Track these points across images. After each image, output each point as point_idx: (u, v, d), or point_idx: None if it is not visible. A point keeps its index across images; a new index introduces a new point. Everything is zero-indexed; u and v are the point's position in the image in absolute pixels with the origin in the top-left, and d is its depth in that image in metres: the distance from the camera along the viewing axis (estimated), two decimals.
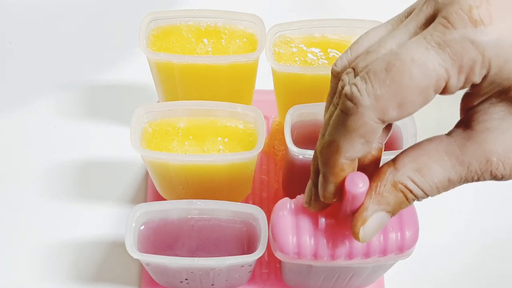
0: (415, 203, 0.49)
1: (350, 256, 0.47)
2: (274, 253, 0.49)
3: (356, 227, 0.41)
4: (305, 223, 0.47)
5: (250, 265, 0.54)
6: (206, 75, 0.60)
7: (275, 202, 0.64)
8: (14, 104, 0.72)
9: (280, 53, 0.60)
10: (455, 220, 0.66)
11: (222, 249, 0.55)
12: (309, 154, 0.53)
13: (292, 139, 0.55)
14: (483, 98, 0.38)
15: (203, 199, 0.54)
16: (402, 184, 0.39)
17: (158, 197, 0.63)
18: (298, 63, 0.60)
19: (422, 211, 0.50)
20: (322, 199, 0.42)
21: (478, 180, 0.39)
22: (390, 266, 0.53)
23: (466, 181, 0.39)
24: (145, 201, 0.65)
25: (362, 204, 0.41)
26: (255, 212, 0.53)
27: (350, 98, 0.36)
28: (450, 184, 0.39)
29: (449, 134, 0.40)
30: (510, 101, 0.37)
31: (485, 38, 0.34)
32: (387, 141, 0.44)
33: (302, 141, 0.57)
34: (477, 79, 0.36)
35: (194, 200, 0.54)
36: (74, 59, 0.74)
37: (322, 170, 0.40)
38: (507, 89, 0.37)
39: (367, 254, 0.47)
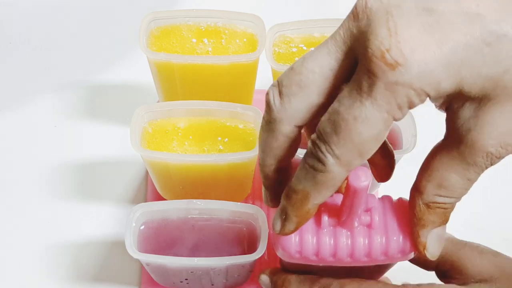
0: None
1: (352, 256, 0.47)
2: (276, 251, 0.49)
3: (421, 253, 0.45)
4: (308, 222, 0.47)
5: (250, 265, 0.54)
6: (206, 75, 0.60)
7: None
8: (14, 104, 0.72)
9: (280, 53, 0.60)
10: (455, 220, 0.66)
11: (222, 249, 0.55)
12: None
13: None
14: (445, 105, 0.40)
15: (203, 199, 0.54)
16: (432, 203, 0.42)
17: (158, 197, 0.63)
18: None
19: None
20: (278, 233, 0.45)
21: (492, 165, 0.40)
22: (390, 266, 0.53)
23: (483, 171, 0.41)
24: (145, 201, 0.65)
25: (413, 233, 0.44)
26: (255, 212, 0.53)
27: (317, 158, 0.39)
28: (471, 182, 0.41)
29: (445, 141, 0.42)
30: (469, 101, 0.38)
31: (407, 76, 0.36)
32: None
33: (301, 140, 0.57)
34: (419, 103, 0.38)
35: (194, 200, 0.54)
36: (74, 59, 0.74)
37: (287, 211, 0.43)
38: (457, 94, 0.38)
39: (369, 255, 0.47)
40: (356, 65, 0.38)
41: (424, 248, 0.44)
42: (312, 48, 0.60)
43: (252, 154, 0.54)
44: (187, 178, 0.58)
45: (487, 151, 0.39)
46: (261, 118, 0.55)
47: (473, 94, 0.38)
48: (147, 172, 0.66)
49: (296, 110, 0.39)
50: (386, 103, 0.36)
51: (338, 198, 0.48)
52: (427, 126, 0.65)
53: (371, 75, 0.36)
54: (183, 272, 0.54)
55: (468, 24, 0.36)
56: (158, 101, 0.66)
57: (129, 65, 0.73)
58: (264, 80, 0.64)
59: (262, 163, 0.43)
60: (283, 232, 0.44)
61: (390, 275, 0.61)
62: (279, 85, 0.40)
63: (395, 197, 0.50)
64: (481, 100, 0.38)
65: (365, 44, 0.36)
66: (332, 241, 0.47)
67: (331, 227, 0.47)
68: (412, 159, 0.66)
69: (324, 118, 0.38)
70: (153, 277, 0.59)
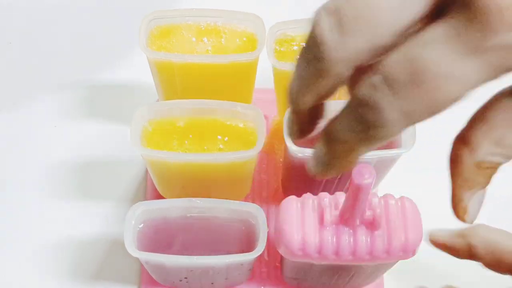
0: (419, 205, 0.49)
1: (354, 254, 0.47)
2: (278, 249, 0.49)
3: (460, 217, 0.39)
4: (311, 220, 0.47)
5: (249, 264, 0.54)
6: (206, 74, 0.60)
7: (274, 201, 0.65)
8: (14, 104, 0.72)
9: (281, 51, 0.60)
10: (455, 220, 0.66)
11: (221, 247, 0.55)
12: (308, 153, 0.53)
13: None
14: None
15: (203, 197, 0.54)
16: (486, 162, 0.36)
17: (158, 196, 0.63)
18: None
19: (423, 211, 0.50)
20: (316, 176, 0.38)
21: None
22: (391, 265, 0.53)
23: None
24: (145, 199, 0.65)
25: (454, 195, 0.39)
26: (255, 210, 0.53)
27: (376, 109, 0.31)
28: None
29: (511, 91, 0.37)
30: None
31: None
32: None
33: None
34: None
35: (194, 199, 0.54)
36: (74, 58, 0.74)
37: (329, 159, 0.36)
38: None
39: (371, 253, 0.47)
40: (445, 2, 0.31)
41: (465, 213, 0.38)
42: None
43: (252, 153, 0.54)
44: (187, 177, 0.58)
45: None
46: (261, 118, 0.55)
47: None
48: (147, 171, 0.66)
49: (359, 50, 0.31)
50: (490, 65, 0.30)
51: (341, 196, 0.48)
52: (426, 124, 0.65)
53: (485, 29, 0.29)
54: (183, 270, 0.54)
55: None
56: (158, 100, 0.66)
57: (129, 64, 0.73)
58: (263, 79, 0.64)
59: (297, 98, 0.35)
60: (325, 177, 0.37)
61: (390, 275, 0.61)
62: (338, 13, 0.31)
63: (395, 196, 0.50)
64: None
65: None
66: (334, 239, 0.47)
67: (334, 225, 0.47)
68: (411, 158, 0.66)
69: (395, 59, 0.30)
70: (152, 276, 0.59)
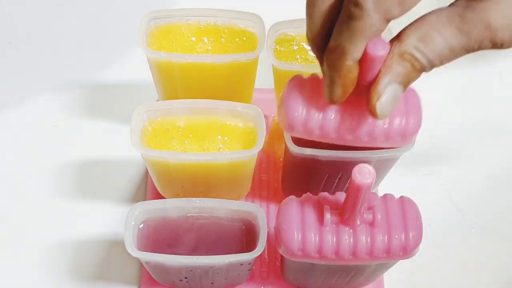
0: (419, 205, 0.49)
1: (354, 254, 0.47)
2: (278, 249, 0.49)
3: (372, 102, 0.42)
4: (311, 220, 0.47)
5: (249, 263, 0.54)
6: (205, 74, 0.60)
7: (274, 201, 0.65)
8: (14, 103, 0.72)
9: (281, 51, 0.60)
10: (455, 220, 0.66)
11: (221, 247, 0.55)
12: (308, 153, 0.53)
13: (291, 137, 0.55)
14: None
15: (203, 197, 0.54)
16: (408, 53, 0.41)
17: (158, 196, 0.63)
18: (299, 61, 0.60)
19: (423, 211, 0.50)
20: (329, 101, 0.43)
21: (479, 48, 0.40)
22: (391, 265, 0.53)
23: (467, 50, 0.40)
24: (145, 199, 0.65)
25: (375, 81, 0.41)
26: (254, 210, 0.53)
27: (354, 2, 0.38)
28: (452, 53, 0.41)
29: (450, 5, 0.41)
30: None
31: None
32: None
33: (301, 140, 0.57)
34: None
35: (194, 199, 0.54)
36: (74, 58, 0.74)
37: (328, 74, 0.42)
38: None
39: (371, 253, 0.47)
40: None
41: (379, 97, 0.41)
42: None
43: (252, 153, 0.54)
44: (187, 177, 0.58)
45: (488, 25, 0.39)
46: (261, 118, 0.55)
47: None
48: (147, 171, 0.66)
49: None
50: None
51: (341, 196, 0.48)
52: (426, 124, 0.65)
53: None
54: (183, 270, 0.54)
55: None
56: (158, 100, 0.66)
57: (129, 64, 0.73)
58: (263, 79, 0.64)
59: (341, 56, 0.41)
60: (334, 99, 0.43)
61: (390, 275, 0.61)
62: None
63: (395, 196, 0.50)
64: None
65: None
66: (334, 239, 0.47)
67: (334, 225, 0.47)
68: (411, 158, 0.66)
69: None
70: (152, 276, 0.59)
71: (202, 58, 0.59)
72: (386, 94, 0.41)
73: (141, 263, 0.61)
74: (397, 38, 0.41)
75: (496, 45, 0.40)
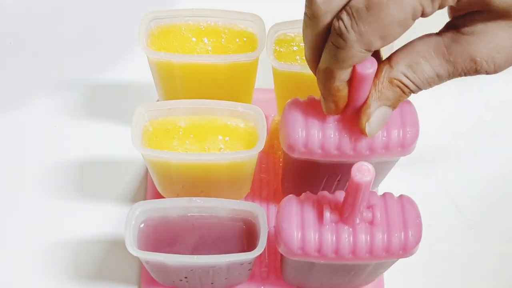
0: (418, 204, 0.49)
1: (354, 252, 0.47)
2: (278, 248, 0.50)
3: (362, 123, 0.46)
4: (310, 219, 0.48)
5: (249, 263, 0.54)
6: (206, 75, 0.60)
7: (274, 201, 0.65)
8: (14, 103, 0.72)
9: (281, 51, 0.60)
10: (456, 220, 0.67)
11: (221, 247, 0.55)
12: (306, 156, 0.53)
13: None
14: (466, 11, 0.42)
15: (203, 197, 0.54)
16: (397, 80, 0.44)
17: (158, 196, 0.63)
18: (299, 62, 0.60)
19: (423, 211, 0.50)
20: (326, 113, 0.47)
21: (465, 75, 0.44)
22: (390, 264, 0.53)
23: (454, 76, 0.44)
24: (145, 199, 0.65)
25: (365, 103, 0.45)
26: (255, 210, 0.53)
27: (339, 34, 0.40)
28: (439, 79, 0.44)
29: (438, 33, 0.44)
30: (491, 11, 0.41)
31: None
32: None
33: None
34: (451, 3, 0.40)
35: (194, 198, 0.54)
36: (74, 58, 0.74)
37: (321, 91, 0.46)
38: (487, 2, 0.40)
39: (370, 251, 0.47)
40: None
41: (368, 119, 0.45)
42: None
43: (252, 153, 0.54)
44: (188, 177, 0.58)
45: (473, 58, 0.42)
46: (261, 118, 0.55)
47: (496, 7, 0.40)
48: (147, 171, 0.66)
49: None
50: None
51: (340, 195, 0.48)
52: (426, 125, 0.65)
53: None
54: (183, 270, 0.54)
55: None
56: (158, 100, 0.66)
57: (129, 64, 0.73)
58: (264, 79, 0.64)
59: (330, 78, 0.44)
60: (330, 112, 0.47)
61: (390, 274, 0.61)
62: None
63: (395, 195, 0.50)
64: (501, 14, 0.40)
65: None
66: (334, 238, 0.47)
67: (333, 224, 0.47)
68: (411, 158, 0.66)
69: None
70: (152, 276, 0.59)
71: (203, 58, 0.59)
72: (375, 117, 0.45)
73: (141, 263, 0.61)
74: (388, 61, 0.44)
75: (480, 73, 0.43)
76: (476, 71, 0.43)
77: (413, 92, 0.45)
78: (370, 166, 0.42)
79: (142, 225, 0.54)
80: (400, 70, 0.43)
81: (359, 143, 0.48)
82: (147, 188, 0.66)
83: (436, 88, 0.73)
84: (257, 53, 0.58)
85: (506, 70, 0.73)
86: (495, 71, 0.43)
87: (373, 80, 0.44)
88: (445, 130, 0.71)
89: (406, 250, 0.48)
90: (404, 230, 0.47)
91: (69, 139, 0.69)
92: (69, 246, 0.64)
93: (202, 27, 0.61)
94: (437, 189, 0.68)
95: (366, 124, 0.46)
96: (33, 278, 0.63)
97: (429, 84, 0.44)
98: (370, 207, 0.47)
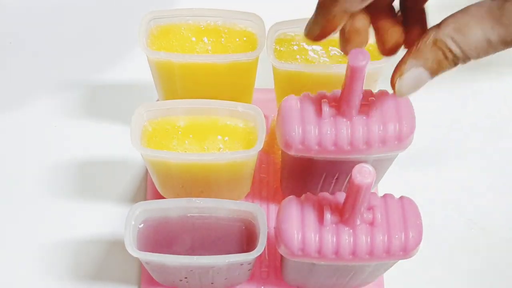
0: (419, 205, 0.49)
1: (354, 253, 0.47)
2: (278, 249, 0.49)
3: (394, 78, 0.43)
4: (311, 220, 0.48)
5: (249, 263, 0.54)
6: (206, 74, 0.60)
7: (274, 201, 0.65)
8: (14, 103, 0.72)
9: (281, 51, 0.60)
10: (455, 220, 0.66)
11: (221, 247, 0.55)
12: (304, 153, 0.53)
13: None
14: None
15: (203, 197, 0.54)
16: (441, 41, 0.41)
17: (158, 196, 0.63)
18: (299, 61, 0.60)
19: (423, 211, 0.50)
20: (305, 34, 0.45)
21: None
22: (391, 265, 0.53)
23: (505, 44, 0.40)
24: (145, 199, 0.65)
25: (402, 60, 0.42)
26: (255, 210, 0.53)
27: None
28: (489, 46, 0.40)
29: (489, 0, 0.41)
30: None
31: None
32: None
33: None
34: None
35: (194, 199, 0.54)
36: (74, 58, 0.74)
37: (315, 12, 0.43)
38: None
39: (371, 253, 0.47)
40: None
41: (401, 75, 0.42)
42: (313, 46, 0.61)
43: (252, 153, 0.54)
44: (187, 177, 0.58)
45: None
46: (261, 118, 0.55)
47: None
48: (147, 171, 0.66)
49: None
50: None
51: (341, 196, 0.48)
52: (426, 125, 0.65)
53: None
54: (183, 270, 0.54)
55: None
56: (158, 100, 0.66)
57: (129, 64, 0.73)
58: (264, 79, 0.64)
59: (334, 2, 0.42)
60: (309, 34, 0.45)
61: (390, 275, 0.61)
62: None
63: (395, 196, 0.50)
64: None
65: None
66: (334, 239, 0.47)
67: (334, 225, 0.47)
68: (411, 158, 0.66)
69: None
70: (152, 276, 0.59)
71: (202, 58, 0.59)
72: (408, 75, 0.42)
73: (141, 263, 0.61)
74: (438, 25, 0.41)
75: None
76: None
77: (458, 61, 0.42)
78: (370, 168, 0.42)
79: (141, 225, 0.54)
80: (447, 31, 0.41)
81: (356, 138, 0.48)
82: (147, 188, 0.66)
83: (436, 88, 0.73)
84: (257, 53, 0.58)
85: (508, 69, 0.73)
86: None
87: (418, 42, 0.42)
88: (445, 130, 0.71)
89: (406, 251, 0.48)
90: (404, 232, 0.47)
91: (69, 139, 0.69)
92: (69, 246, 0.64)
93: (202, 26, 0.61)
94: (437, 189, 0.68)
95: (398, 79, 0.42)
96: (33, 278, 0.63)
97: (477, 51, 0.41)
98: (370, 208, 0.47)
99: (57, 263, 0.63)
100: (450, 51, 0.41)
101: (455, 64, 0.42)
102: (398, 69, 0.42)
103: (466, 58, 0.41)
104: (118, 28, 0.76)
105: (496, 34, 0.40)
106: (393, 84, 0.43)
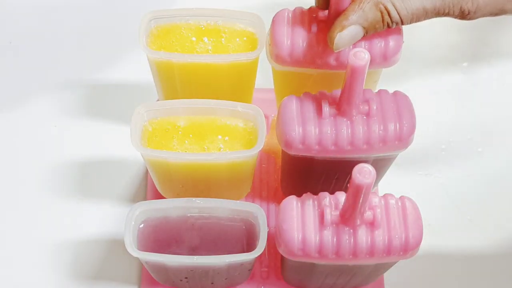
0: (419, 205, 0.49)
1: (354, 254, 0.47)
2: (278, 249, 0.50)
3: (334, 32, 0.46)
4: (311, 220, 0.48)
5: (249, 263, 0.54)
6: (206, 74, 0.60)
7: (274, 201, 0.65)
8: (14, 103, 0.72)
9: None
10: (455, 219, 0.66)
11: (221, 247, 0.55)
12: (304, 153, 0.53)
13: None
14: None
15: (203, 197, 0.54)
16: (383, 4, 0.44)
17: (158, 196, 0.63)
18: None
19: (423, 211, 0.50)
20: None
21: (447, 14, 0.45)
22: (391, 265, 0.53)
23: (438, 13, 0.44)
24: (145, 199, 0.65)
25: (344, 14, 0.45)
26: (255, 210, 0.53)
27: None
28: (424, 13, 0.44)
29: None
30: None
31: None
32: None
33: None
34: None
35: (194, 199, 0.54)
36: (74, 58, 0.74)
37: None
38: None
39: (371, 253, 0.47)
40: None
41: (342, 30, 0.45)
42: None
43: (252, 153, 0.54)
44: (187, 177, 0.58)
45: None
46: (261, 118, 0.55)
47: None
48: (147, 171, 0.66)
49: None
50: None
51: (341, 196, 0.48)
52: (426, 125, 0.65)
53: None
54: (183, 270, 0.54)
55: None
56: (158, 100, 0.66)
57: (129, 64, 0.73)
58: (264, 79, 0.64)
59: None
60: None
61: (390, 275, 0.61)
62: None
63: (395, 196, 0.50)
64: None
65: None
66: (334, 239, 0.47)
67: (334, 225, 0.47)
68: (411, 158, 0.66)
69: None
70: (152, 276, 0.59)
71: (203, 58, 0.59)
72: (348, 31, 0.45)
73: (141, 263, 0.61)
74: None
75: (463, 13, 0.44)
76: (460, 9, 0.44)
77: (392, 23, 0.45)
78: (371, 168, 0.42)
79: (142, 225, 0.54)
80: None
81: (356, 138, 0.48)
82: (147, 188, 0.66)
83: (436, 88, 0.73)
84: (257, 53, 0.58)
85: (507, 69, 0.73)
86: (476, 12, 0.44)
87: None
88: (445, 130, 0.71)
89: (406, 251, 0.48)
90: (404, 232, 0.47)
91: (69, 139, 0.69)
92: (69, 246, 0.64)
93: (202, 26, 0.61)
94: (437, 189, 0.68)
95: (338, 34, 0.46)
96: (33, 278, 0.63)
97: (413, 17, 0.44)
98: (370, 208, 0.47)
99: (57, 263, 0.63)
100: (389, 14, 0.44)
101: (388, 26, 0.45)
102: (339, 24, 0.45)
103: (399, 23, 0.45)
104: (118, 28, 0.76)
105: (433, 4, 0.44)
106: (331, 37, 0.46)
